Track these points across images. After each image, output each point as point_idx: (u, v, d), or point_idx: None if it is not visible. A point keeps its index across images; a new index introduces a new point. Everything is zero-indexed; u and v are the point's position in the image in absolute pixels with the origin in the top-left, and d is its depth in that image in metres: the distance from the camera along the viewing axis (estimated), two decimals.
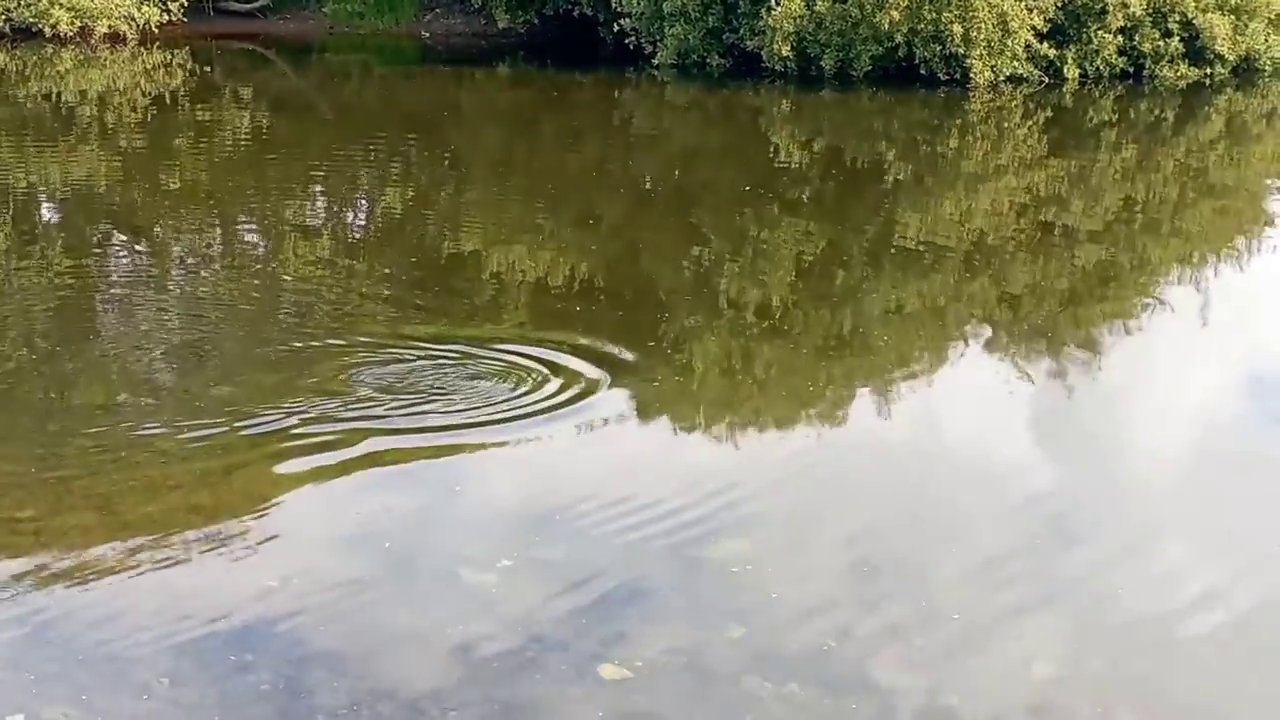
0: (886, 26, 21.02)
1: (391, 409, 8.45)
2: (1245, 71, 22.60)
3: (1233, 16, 22.09)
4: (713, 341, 10.06)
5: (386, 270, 12.24)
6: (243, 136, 19.15)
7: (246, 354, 9.60)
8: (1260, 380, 9.78)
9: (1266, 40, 22.42)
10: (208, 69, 25.34)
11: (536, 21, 27.40)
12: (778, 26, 21.62)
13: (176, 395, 8.84)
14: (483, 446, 8.08)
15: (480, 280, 11.81)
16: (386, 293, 11.33)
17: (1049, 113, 20.12)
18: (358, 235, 13.97)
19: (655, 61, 23.50)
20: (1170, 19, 21.77)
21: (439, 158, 18.01)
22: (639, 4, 23.72)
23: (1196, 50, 22.03)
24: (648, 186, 16.31)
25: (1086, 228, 13.88)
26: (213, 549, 6.84)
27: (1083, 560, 7.00)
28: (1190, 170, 17.12)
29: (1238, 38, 22.11)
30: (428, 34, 28.98)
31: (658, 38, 23.65)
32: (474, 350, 9.54)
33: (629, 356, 9.55)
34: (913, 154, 17.92)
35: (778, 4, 21.63)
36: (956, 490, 7.82)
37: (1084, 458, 8.34)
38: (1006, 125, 19.48)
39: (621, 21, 24.15)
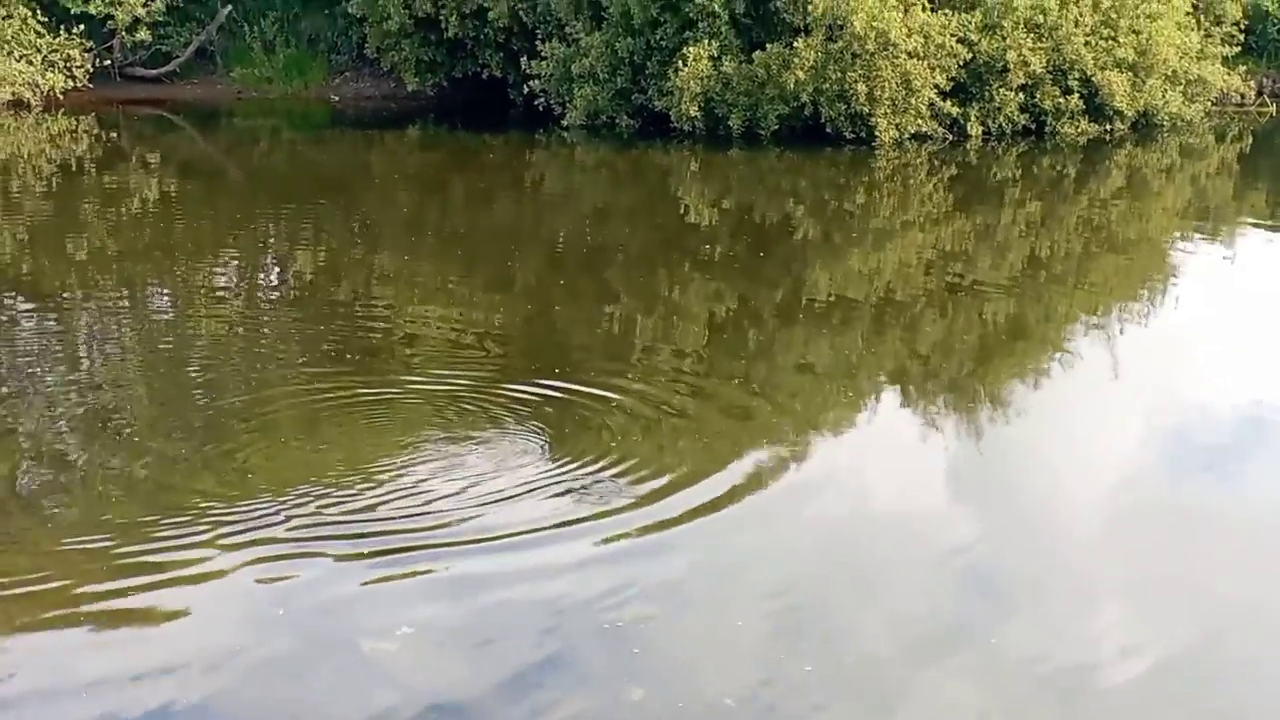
0: (792, 86, 21.27)
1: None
2: (1144, 126, 23.07)
3: (1130, 73, 22.56)
4: (621, 402, 10.05)
5: (295, 334, 12.15)
6: (151, 202, 18.97)
7: (154, 426, 9.48)
8: (1168, 430, 9.92)
9: (1164, 96, 22.90)
10: (114, 135, 25.12)
11: (446, 84, 27.45)
12: (685, 87, 21.81)
13: (79, 471, 8.70)
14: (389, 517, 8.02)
15: (392, 343, 11.75)
16: (297, 357, 11.24)
17: (954, 169, 20.41)
18: (268, 299, 13.85)
19: (565, 122, 23.62)
20: (1070, 76, 22.19)
21: (350, 220, 17.94)
22: (548, 66, 23.84)
23: (1096, 106, 22.47)
24: (559, 247, 16.34)
25: (993, 282, 14.07)
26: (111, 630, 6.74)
27: (998, 614, 7.04)
28: (1093, 224, 17.40)
29: (1135, 94, 22.57)
30: (337, 98, 28.95)
31: (567, 99, 23.78)
32: (381, 414, 9.49)
33: (537, 418, 9.53)
34: (821, 211, 18.09)
35: (685, 65, 21.82)
36: (870, 546, 7.85)
37: (998, 511, 8.41)
38: (912, 182, 19.74)
39: (531, 83, 24.26)
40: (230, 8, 29.22)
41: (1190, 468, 9.23)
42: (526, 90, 24.57)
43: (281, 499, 8.07)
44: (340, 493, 8.18)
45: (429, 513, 7.92)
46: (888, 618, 6.97)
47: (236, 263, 15.41)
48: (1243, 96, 25.80)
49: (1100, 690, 6.32)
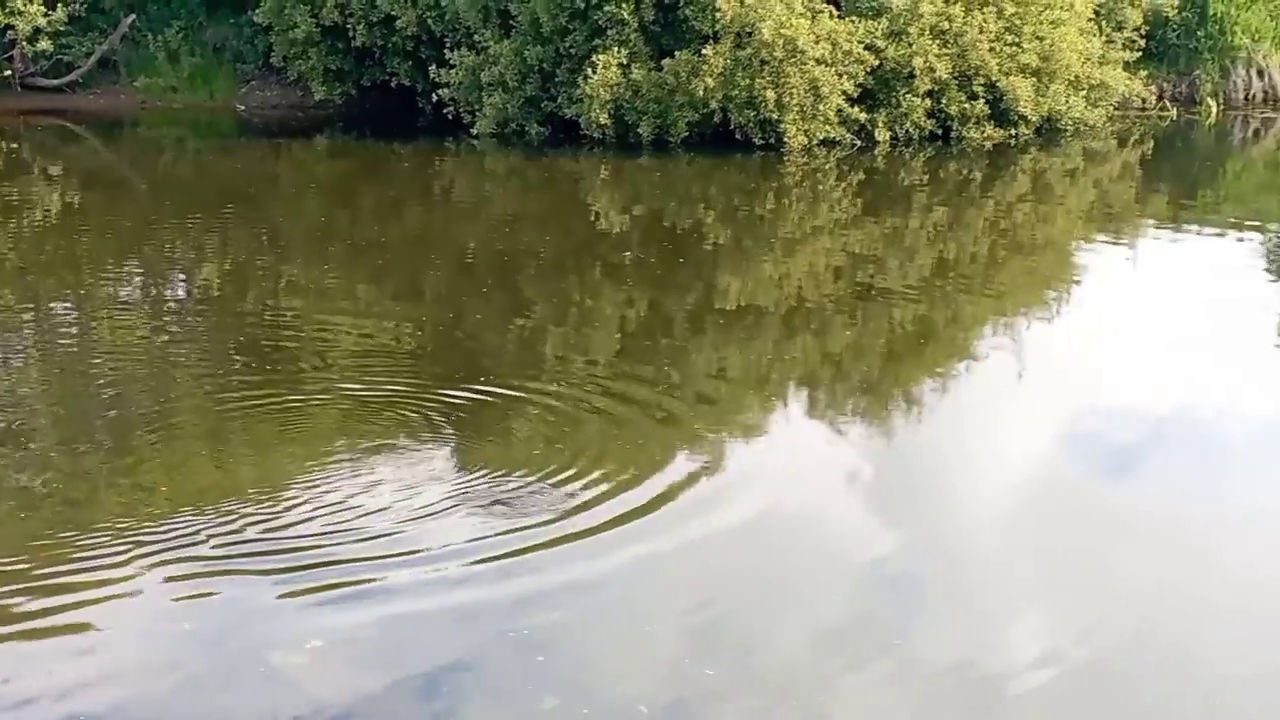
0: (701, 93, 21.33)
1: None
2: (1048, 131, 23.36)
3: (1034, 79, 22.83)
4: (536, 409, 10.03)
5: (203, 345, 12.01)
6: (54, 214, 18.69)
7: (61, 440, 9.33)
8: (1076, 430, 10.03)
9: (1067, 101, 23.19)
10: (15, 146, 24.71)
11: (354, 93, 27.25)
12: (595, 95, 21.81)
13: None
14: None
15: (302, 352, 11.65)
16: (205, 369, 11.11)
17: (862, 175, 20.56)
18: (175, 311, 13.68)
19: (475, 131, 23.52)
20: (975, 82, 22.43)
21: (257, 230, 17.76)
22: (457, 74, 23.74)
23: (1001, 111, 22.72)
24: (471, 255, 16.27)
25: (903, 286, 14.18)
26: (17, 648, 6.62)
27: (913, 617, 7.08)
28: (1000, 228, 17.60)
29: (1040, 99, 22.84)
30: (243, 107, 28.64)
31: (476, 107, 23.69)
32: (292, 425, 9.40)
33: (451, 426, 9.49)
34: (731, 218, 18.15)
35: (594, 73, 21.82)
36: (785, 550, 7.88)
37: (912, 514, 8.46)
38: (821, 187, 19.86)
39: (440, 92, 24.14)
40: (134, 17, 28.80)
41: (1098, 467, 9.34)
42: (435, 99, 24.45)
43: (192, 513, 7.97)
44: (252, 506, 8.09)
45: (342, 526, 7.85)
46: (802, 622, 6.99)
47: (142, 275, 15.21)
48: (1144, 101, 26.21)
49: (1016, 693, 6.38)
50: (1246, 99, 26.85)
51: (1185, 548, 8.01)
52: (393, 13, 24.80)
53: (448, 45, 24.35)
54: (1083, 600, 7.31)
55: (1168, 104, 26.84)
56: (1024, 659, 6.65)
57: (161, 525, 7.79)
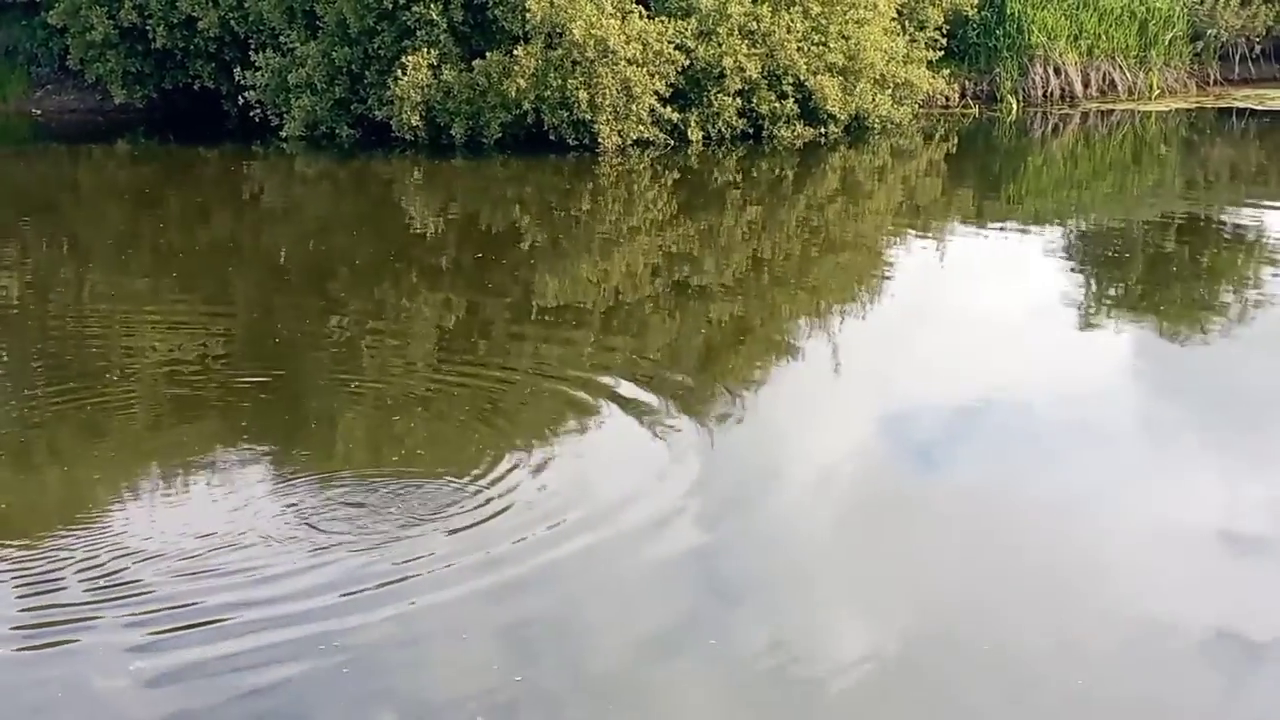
0: (514, 94, 21.23)
1: None
2: (857, 129, 23.71)
3: (841, 78, 23.17)
4: (353, 416, 9.86)
5: (3, 358, 11.59)
6: None
7: None
8: (890, 425, 10.18)
9: (874, 99, 23.58)
10: None
11: (156, 96, 26.53)
12: (405, 96, 21.57)
13: None
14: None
15: (105, 366, 11.30)
16: (7, 382, 10.72)
17: (676, 174, 20.65)
18: None
19: (283, 134, 23.08)
20: (784, 81, 22.68)
21: (57, 239, 17.21)
22: (263, 76, 23.28)
23: (810, 110, 23.00)
24: (282, 260, 15.96)
25: (718, 284, 14.28)
26: None
27: (732, 615, 7.11)
28: (811, 225, 17.82)
29: (847, 98, 23.18)
30: (39, 111, 27.72)
31: (284, 110, 23.26)
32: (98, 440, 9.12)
33: (267, 440, 9.29)
34: (547, 218, 18.10)
35: (404, 74, 21.58)
36: (604, 553, 7.85)
37: (730, 511, 8.50)
38: (636, 188, 19.90)
39: (246, 94, 23.65)
40: None
41: (911, 460, 9.50)
42: (241, 101, 23.94)
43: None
44: (78, 533, 7.81)
45: (145, 551, 7.63)
46: (621, 623, 6.98)
47: None
48: (947, 99, 26.78)
49: (832, 692, 6.44)
50: (1044, 96, 27.59)
51: (995, 539, 8.17)
52: (194, 14, 24.20)
53: (252, 47, 23.85)
54: (897, 596, 7.41)
55: (970, 101, 27.47)
56: (839, 657, 6.72)
57: None
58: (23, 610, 7.00)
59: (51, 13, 25.62)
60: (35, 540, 7.71)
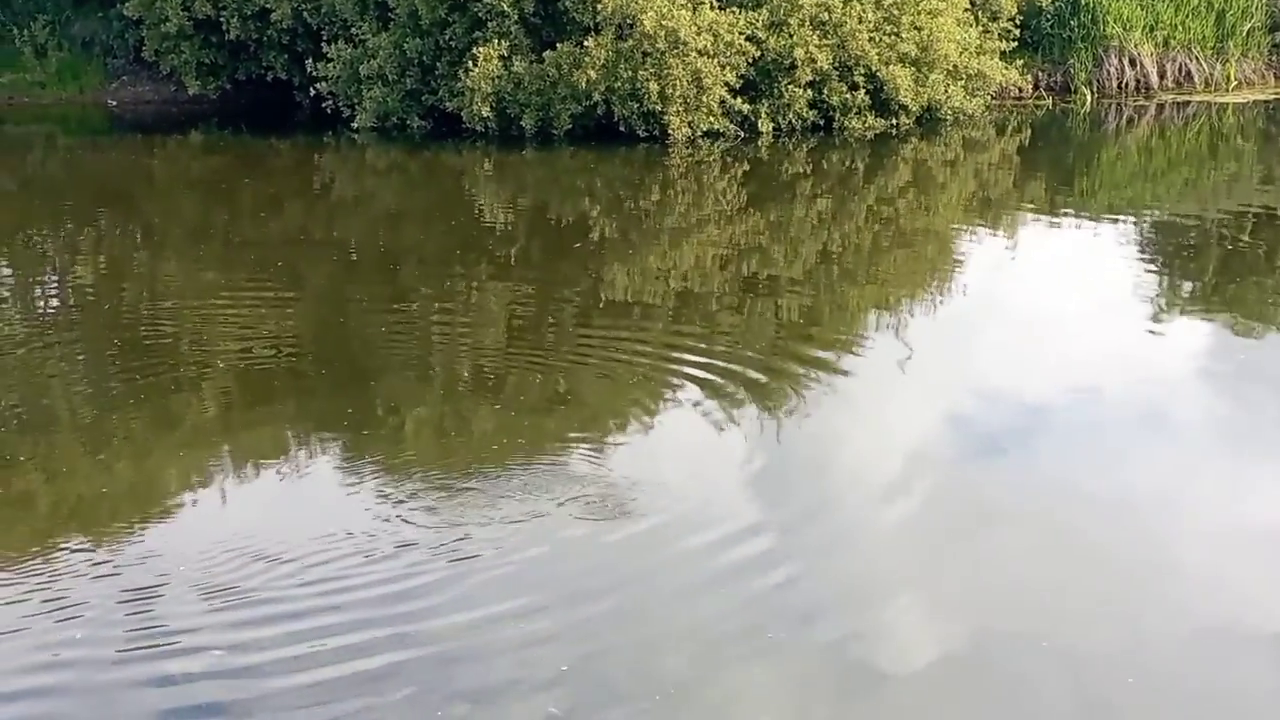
0: (584, 85, 21.23)
1: None
2: (929, 121, 23.55)
3: (914, 69, 23.02)
4: (424, 406, 9.90)
5: (78, 349, 11.72)
6: None
7: None
8: (961, 419, 10.07)
9: (946, 91, 23.41)
10: None
11: (229, 87, 26.78)
12: (476, 88, 21.63)
13: None
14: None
15: (181, 353, 11.40)
16: (83, 371, 10.84)
17: (746, 166, 20.58)
18: (49, 311, 13.34)
19: (355, 125, 23.23)
20: (856, 72, 22.55)
21: (132, 228, 17.39)
22: (335, 67, 23.43)
23: (882, 102, 22.87)
24: (352, 250, 16.05)
25: (788, 276, 14.21)
26: None
27: (807, 615, 7.08)
28: (882, 217, 17.70)
29: (919, 89, 23.03)
30: (115, 103, 28.04)
31: (356, 101, 23.40)
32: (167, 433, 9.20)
33: (337, 427, 9.34)
34: (617, 210, 18.08)
35: (475, 65, 21.64)
36: (668, 543, 7.84)
37: (795, 505, 8.45)
38: (706, 179, 19.85)
39: (318, 85, 23.81)
40: None
41: (982, 454, 9.40)
42: (313, 92, 24.12)
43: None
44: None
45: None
46: (689, 615, 6.96)
47: (13, 277, 14.81)
48: (1020, 90, 26.54)
49: (894, 684, 6.39)
50: (1119, 87, 27.27)
51: (1065, 535, 8.06)
52: (267, 6, 24.40)
53: (324, 38, 24.01)
54: (968, 593, 7.34)
55: (1043, 93, 27.20)
56: (904, 650, 6.67)
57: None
58: (119, 603, 7.06)
59: (127, 5, 25.90)
60: (123, 529, 7.78)
